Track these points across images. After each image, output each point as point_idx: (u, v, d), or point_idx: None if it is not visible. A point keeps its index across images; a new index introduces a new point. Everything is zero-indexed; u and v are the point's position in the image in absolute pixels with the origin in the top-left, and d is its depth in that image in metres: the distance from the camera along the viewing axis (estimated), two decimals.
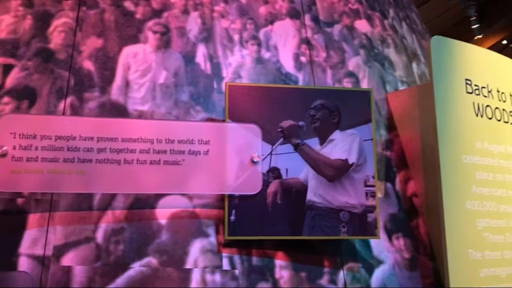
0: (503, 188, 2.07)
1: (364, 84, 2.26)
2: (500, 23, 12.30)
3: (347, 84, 2.21)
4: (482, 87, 2.12)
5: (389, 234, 1.98)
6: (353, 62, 2.30)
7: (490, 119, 2.12)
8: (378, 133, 2.17)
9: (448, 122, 1.96)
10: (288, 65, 2.11)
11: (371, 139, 1.84)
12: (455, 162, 1.94)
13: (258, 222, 1.69)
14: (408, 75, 2.54)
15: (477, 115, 2.07)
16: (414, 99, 2.19)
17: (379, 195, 2.02)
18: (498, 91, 2.19)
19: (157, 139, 1.63)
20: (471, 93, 2.07)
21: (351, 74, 2.25)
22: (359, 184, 1.79)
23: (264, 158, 1.73)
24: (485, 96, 2.12)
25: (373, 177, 1.81)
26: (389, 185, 2.08)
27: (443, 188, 1.87)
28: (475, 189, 1.97)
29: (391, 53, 2.52)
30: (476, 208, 1.95)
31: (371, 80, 2.30)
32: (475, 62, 2.13)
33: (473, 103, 2.07)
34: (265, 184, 1.72)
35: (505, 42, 13.02)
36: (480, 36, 12.48)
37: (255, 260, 1.71)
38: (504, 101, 2.21)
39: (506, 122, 2.19)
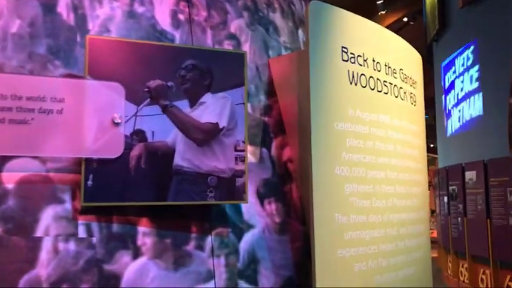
0: (372, 155, 2.15)
1: (246, 48, 2.20)
2: (403, 0, 12.88)
3: (228, 46, 2.14)
4: (358, 56, 2.15)
5: (261, 199, 1.98)
6: (235, 24, 2.22)
7: (364, 87, 2.17)
8: (258, 98, 2.15)
9: (321, 88, 1.97)
10: (164, 22, 1.99)
11: (243, 103, 1.80)
12: (326, 129, 1.96)
13: (119, 187, 1.60)
14: (294, 41, 2.52)
15: (351, 83, 2.10)
16: (294, 65, 2.18)
17: (253, 160, 2.01)
18: (374, 60, 2.24)
19: (1, 95, 1.45)
20: (347, 61, 2.10)
21: (233, 37, 2.18)
22: (229, 148, 1.75)
23: (128, 120, 1.62)
24: (361, 65, 2.16)
25: (243, 142, 1.78)
26: (264, 150, 2.07)
27: (313, 154, 1.89)
28: (345, 155, 2.02)
29: (277, 17, 2.48)
30: (344, 174, 2.00)
31: (254, 44, 2.25)
32: (352, 30, 2.16)
33: (348, 71, 2.10)
34: (128, 147, 1.62)
35: (405, 19, 13.69)
36: (383, 12, 13.02)
37: (115, 227, 1.62)
38: (379, 71, 2.27)
39: (380, 91, 2.26)
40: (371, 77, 2.21)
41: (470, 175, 6.80)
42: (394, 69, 2.39)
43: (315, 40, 1.97)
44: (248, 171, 1.96)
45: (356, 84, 2.13)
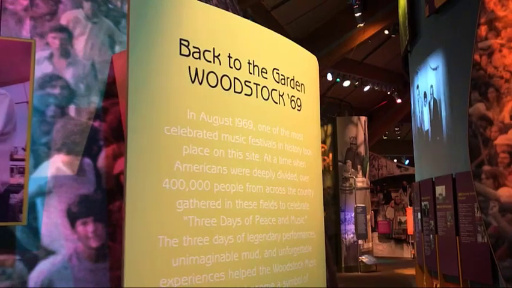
0: (223, 166, 1.83)
1: (80, 42, 1.90)
2: (382, 11, 12.78)
3: (53, 40, 1.83)
4: (206, 51, 1.85)
5: (73, 219, 1.65)
6: (69, 15, 1.92)
7: (214, 87, 1.86)
8: (88, 100, 1.84)
9: (145, 86, 1.66)
10: None
11: (27, 102, 1.48)
12: (151, 134, 1.65)
13: None
14: None
15: (193, 81, 1.80)
16: None
17: (69, 172, 1.69)
18: (230, 57, 1.94)
19: None
20: (187, 55, 1.79)
21: (63, 29, 1.88)
22: (3, 157, 1.43)
23: None
24: (209, 61, 1.86)
25: (24, 149, 1.46)
26: (87, 160, 1.75)
27: (129, 163, 1.58)
28: (179, 165, 1.70)
29: None
30: (177, 188, 1.68)
31: (93, 38, 1.95)
32: (198, 21, 1.86)
33: (189, 67, 1.79)
34: None
35: (386, 32, 13.55)
36: (362, 25, 12.89)
37: None
38: (238, 69, 1.96)
39: (239, 93, 1.96)
40: (224, 75, 1.90)
41: (440, 190, 6.49)
42: (264, 69, 2.08)
43: (139, 29, 1.67)
44: (58, 186, 1.64)
45: (200, 83, 1.82)
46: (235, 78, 1.94)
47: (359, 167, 14.17)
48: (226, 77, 1.91)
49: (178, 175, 1.69)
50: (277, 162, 2.09)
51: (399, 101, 16.15)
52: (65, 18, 1.91)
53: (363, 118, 14.87)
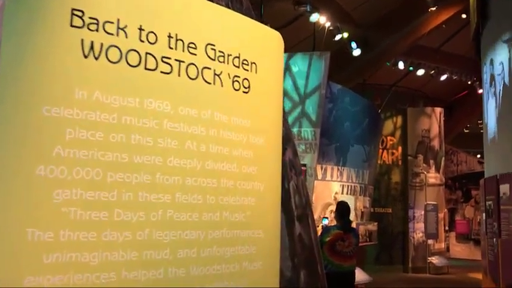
0: (121, 152, 1.62)
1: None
2: None
3: None
4: (106, 22, 1.64)
5: None
6: None
7: (116, 63, 1.64)
8: None
9: (21, 61, 1.49)
10: None
11: None
12: (25, 115, 1.47)
13: None
14: None
15: (87, 56, 1.59)
16: None
17: None
18: (142, 29, 1.71)
19: None
20: (81, 27, 1.59)
21: None
22: None
23: None
24: (110, 34, 1.64)
25: None
26: None
27: None
28: (61, 151, 1.51)
29: None
30: (56, 175, 1.49)
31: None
32: None
33: (83, 41, 1.59)
34: None
35: (464, 16, 12.48)
36: (434, 9, 12.00)
37: None
38: (152, 43, 1.73)
39: (152, 70, 1.72)
40: (132, 50, 1.68)
41: (504, 189, 5.85)
42: (192, 43, 1.83)
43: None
44: None
45: (96, 59, 1.61)
46: (147, 53, 1.71)
47: (431, 161, 13.22)
48: (135, 52, 1.68)
49: (58, 162, 1.50)
50: (207, 151, 1.83)
51: (481, 91, 14.87)
52: None
53: (438, 109, 13.84)
